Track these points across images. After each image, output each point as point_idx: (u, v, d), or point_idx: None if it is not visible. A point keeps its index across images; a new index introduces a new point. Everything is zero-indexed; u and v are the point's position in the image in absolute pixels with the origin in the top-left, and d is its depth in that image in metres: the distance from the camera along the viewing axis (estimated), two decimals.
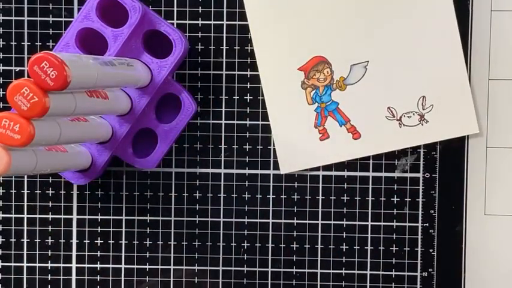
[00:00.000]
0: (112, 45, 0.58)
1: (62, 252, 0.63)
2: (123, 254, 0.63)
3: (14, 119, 0.48)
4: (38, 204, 0.63)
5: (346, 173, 0.62)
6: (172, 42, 0.59)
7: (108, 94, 0.56)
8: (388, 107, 0.61)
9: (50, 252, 0.63)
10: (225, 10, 0.62)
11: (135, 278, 0.63)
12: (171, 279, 0.63)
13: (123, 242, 0.63)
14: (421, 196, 0.62)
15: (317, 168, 0.62)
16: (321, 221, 0.62)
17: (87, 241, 0.63)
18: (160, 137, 0.60)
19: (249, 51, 0.62)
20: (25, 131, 0.48)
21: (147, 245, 0.63)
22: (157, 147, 0.60)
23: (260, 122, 0.62)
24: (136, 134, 0.60)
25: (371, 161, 0.62)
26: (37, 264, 0.63)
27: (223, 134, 0.62)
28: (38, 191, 0.63)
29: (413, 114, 0.61)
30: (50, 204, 0.63)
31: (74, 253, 0.63)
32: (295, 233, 0.63)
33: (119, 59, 0.56)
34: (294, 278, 0.63)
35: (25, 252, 0.63)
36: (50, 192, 0.63)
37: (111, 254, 0.63)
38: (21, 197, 0.63)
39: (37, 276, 0.63)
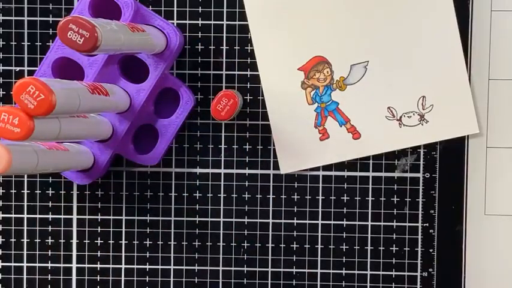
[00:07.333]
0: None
1: (62, 252, 0.63)
2: (123, 254, 0.63)
3: (13, 113, 0.48)
4: (38, 204, 0.63)
5: (346, 173, 0.62)
6: (167, 36, 0.59)
7: (108, 91, 0.56)
8: (388, 107, 0.61)
9: (50, 252, 0.63)
10: (225, 10, 0.62)
11: (135, 278, 0.63)
12: (171, 279, 0.63)
13: (123, 242, 0.63)
14: (421, 196, 0.62)
15: (317, 168, 0.62)
16: (321, 221, 0.62)
17: (87, 241, 0.63)
18: (161, 132, 0.60)
19: (249, 51, 0.62)
20: (25, 124, 0.48)
21: (147, 245, 0.63)
22: (158, 142, 0.60)
23: (260, 122, 0.62)
24: (137, 133, 0.60)
25: (371, 161, 0.62)
26: (37, 264, 0.63)
27: (223, 134, 0.62)
28: (38, 191, 0.63)
29: (413, 114, 0.61)
30: (50, 204, 0.63)
31: (74, 253, 0.63)
32: (295, 233, 0.62)
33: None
34: (294, 278, 0.63)
35: (25, 252, 0.63)
36: (50, 192, 0.63)
37: (111, 254, 0.63)
38: (21, 197, 0.63)
39: (37, 276, 0.63)
